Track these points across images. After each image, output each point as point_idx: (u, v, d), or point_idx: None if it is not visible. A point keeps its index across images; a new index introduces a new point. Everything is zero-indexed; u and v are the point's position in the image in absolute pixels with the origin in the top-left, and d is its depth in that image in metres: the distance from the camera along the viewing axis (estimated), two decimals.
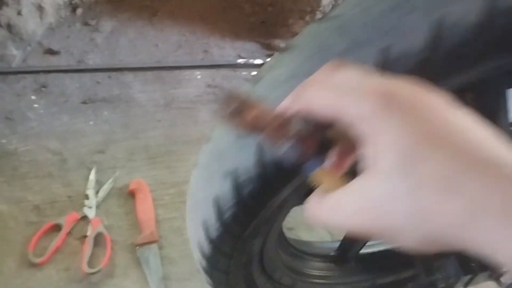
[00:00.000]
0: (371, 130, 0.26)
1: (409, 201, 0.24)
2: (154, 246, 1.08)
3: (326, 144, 0.31)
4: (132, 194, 1.18)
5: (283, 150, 0.31)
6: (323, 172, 0.31)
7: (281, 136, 0.31)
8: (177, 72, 1.59)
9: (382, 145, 0.25)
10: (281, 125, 0.31)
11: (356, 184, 0.27)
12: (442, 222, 0.24)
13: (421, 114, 0.25)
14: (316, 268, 0.80)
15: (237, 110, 0.32)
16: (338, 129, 0.29)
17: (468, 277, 0.67)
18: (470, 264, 0.66)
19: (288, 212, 0.63)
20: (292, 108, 0.31)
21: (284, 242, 0.75)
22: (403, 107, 0.25)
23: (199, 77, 1.59)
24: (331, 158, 0.31)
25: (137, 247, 1.07)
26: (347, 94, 0.27)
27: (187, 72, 1.60)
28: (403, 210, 0.24)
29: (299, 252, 0.78)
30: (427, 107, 0.25)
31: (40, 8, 1.55)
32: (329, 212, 0.28)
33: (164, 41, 1.70)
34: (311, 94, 0.29)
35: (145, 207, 1.14)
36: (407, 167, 0.24)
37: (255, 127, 0.31)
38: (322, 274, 0.80)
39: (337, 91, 0.28)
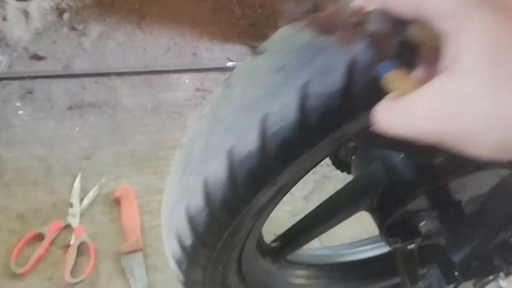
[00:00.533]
0: (455, 25, 0.24)
1: (489, 102, 0.22)
2: (139, 255, 1.06)
3: (405, 46, 0.29)
4: (117, 201, 1.16)
5: (357, 49, 0.30)
6: (397, 76, 0.29)
7: (356, 35, 0.29)
8: (165, 76, 1.57)
9: (465, 41, 0.23)
10: (356, 24, 0.29)
11: (431, 85, 0.25)
12: None
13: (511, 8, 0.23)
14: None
15: (310, 9, 0.30)
16: (418, 29, 0.27)
17: (451, 286, 0.66)
18: (453, 273, 0.65)
19: (264, 221, 0.61)
20: (369, 6, 0.29)
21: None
22: (490, 0, 0.23)
23: (187, 80, 1.57)
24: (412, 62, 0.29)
25: (122, 255, 1.05)
26: None
27: (176, 76, 1.58)
28: (480, 112, 0.22)
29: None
30: None
31: (26, 13, 1.54)
32: (400, 117, 0.26)
33: (152, 44, 1.68)
34: None
35: (130, 215, 1.13)
36: (491, 65, 0.22)
37: (328, 27, 0.30)
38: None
39: None
